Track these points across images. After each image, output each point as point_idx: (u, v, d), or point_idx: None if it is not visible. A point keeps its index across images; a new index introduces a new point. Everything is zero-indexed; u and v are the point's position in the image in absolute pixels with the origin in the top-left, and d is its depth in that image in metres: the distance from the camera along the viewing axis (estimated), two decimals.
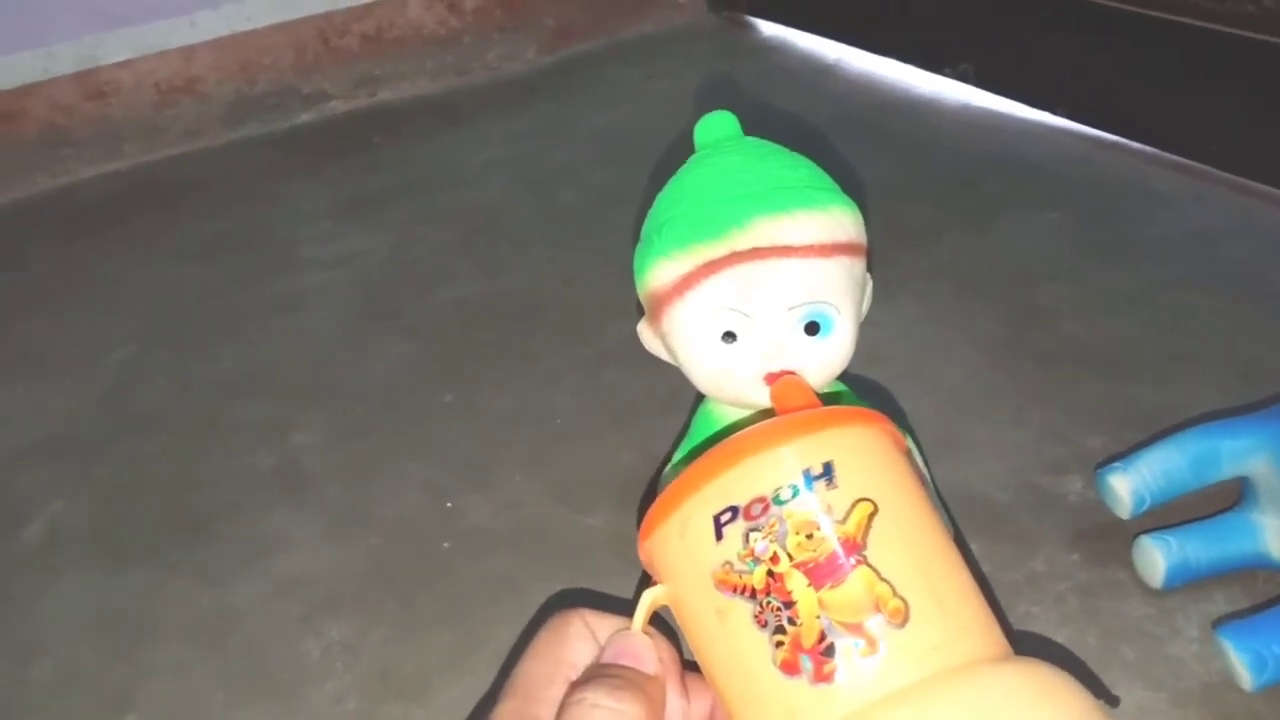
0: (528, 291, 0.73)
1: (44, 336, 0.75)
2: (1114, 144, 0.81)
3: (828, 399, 0.38)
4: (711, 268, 0.38)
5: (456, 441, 0.59)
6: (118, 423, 0.65)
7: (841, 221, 0.38)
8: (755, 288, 0.38)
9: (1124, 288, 0.64)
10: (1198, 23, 0.73)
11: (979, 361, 0.60)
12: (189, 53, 0.99)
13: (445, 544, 0.52)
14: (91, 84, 0.97)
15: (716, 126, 0.42)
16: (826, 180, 0.40)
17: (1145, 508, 0.45)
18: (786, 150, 0.40)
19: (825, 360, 0.39)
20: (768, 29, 1.13)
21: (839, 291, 0.38)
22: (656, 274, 0.39)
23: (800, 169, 0.39)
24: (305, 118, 1.04)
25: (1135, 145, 0.80)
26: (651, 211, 0.41)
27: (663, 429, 0.56)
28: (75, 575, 0.53)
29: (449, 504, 0.55)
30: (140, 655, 0.48)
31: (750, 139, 0.41)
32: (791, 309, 0.38)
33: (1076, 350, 0.60)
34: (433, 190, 0.89)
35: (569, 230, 0.80)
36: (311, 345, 0.70)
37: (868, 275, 0.41)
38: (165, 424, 0.64)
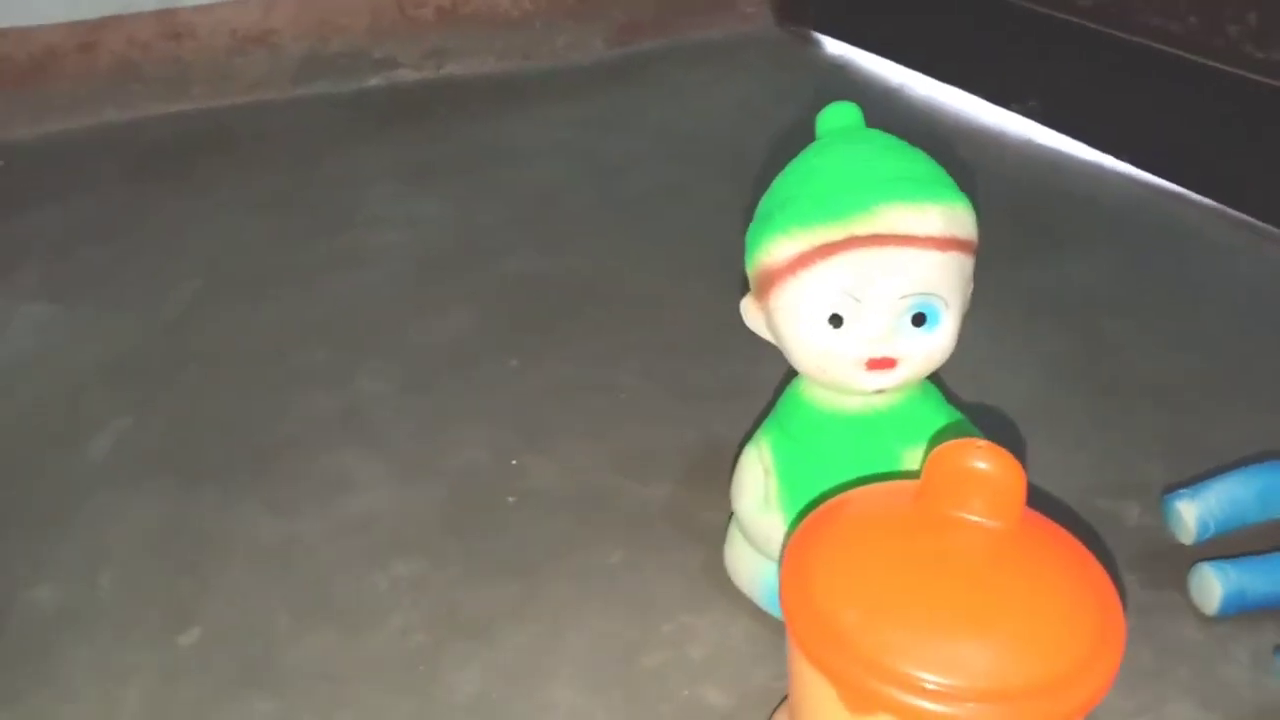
0: (587, 272, 0.74)
1: (108, 264, 0.76)
2: (1172, 192, 0.82)
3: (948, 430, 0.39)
4: (830, 249, 0.39)
5: (520, 404, 0.60)
6: (182, 354, 0.65)
7: (962, 218, 0.39)
8: (872, 273, 0.38)
9: (1183, 328, 0.66)
10: (1263, 79, 0.75)
11: (1043, 383, 0.61)
12: (269, 4, 1.00)
13: (509, 499, 0.53)
14: (169, 24, 0.98)
15: (840, 115, 0.43)
16: (948, 177, 0.41)
17: (1209, 535, 0.47)
18: (909, 144, 0.42)
19: (928, 352, 0.40)
20: (832, 46, 1.14)
21: (950, 286, 0.39)
22: (773, 250, 0.40)
23: (925, 163, 0.40)
24: (373, 82, 1.05)
25: (1193, 195, 0.81)
26: (771, 189, 0.42)
27: (727, 412, 0.57)
28: (142, 492, 0.54)
29: (513, 461, 0.55)
30: (206, 574, 0.49)
31: (873, 130, 0.42)
32: (903, 298, 0.39)
33: (1138, 382, 0.61)
34: (496, 166, 0.90)
35: (628, 218, 0.81)
36: (373, 301, 0.71)
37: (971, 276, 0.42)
38: (230, 359, 0.65)
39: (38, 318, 0.69)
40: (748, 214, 0.43)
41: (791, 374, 0.44)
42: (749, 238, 0.42)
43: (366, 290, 0.72)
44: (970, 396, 0.58)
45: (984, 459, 0.32)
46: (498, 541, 0.51)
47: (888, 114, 0.98)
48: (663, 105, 1.01)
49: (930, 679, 0.29)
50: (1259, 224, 0.77)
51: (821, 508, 0.35)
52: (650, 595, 0.48)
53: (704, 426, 0.58)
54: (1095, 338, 0.65)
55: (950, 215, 0.39)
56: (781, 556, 0.35)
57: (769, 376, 0.54)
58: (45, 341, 0.67)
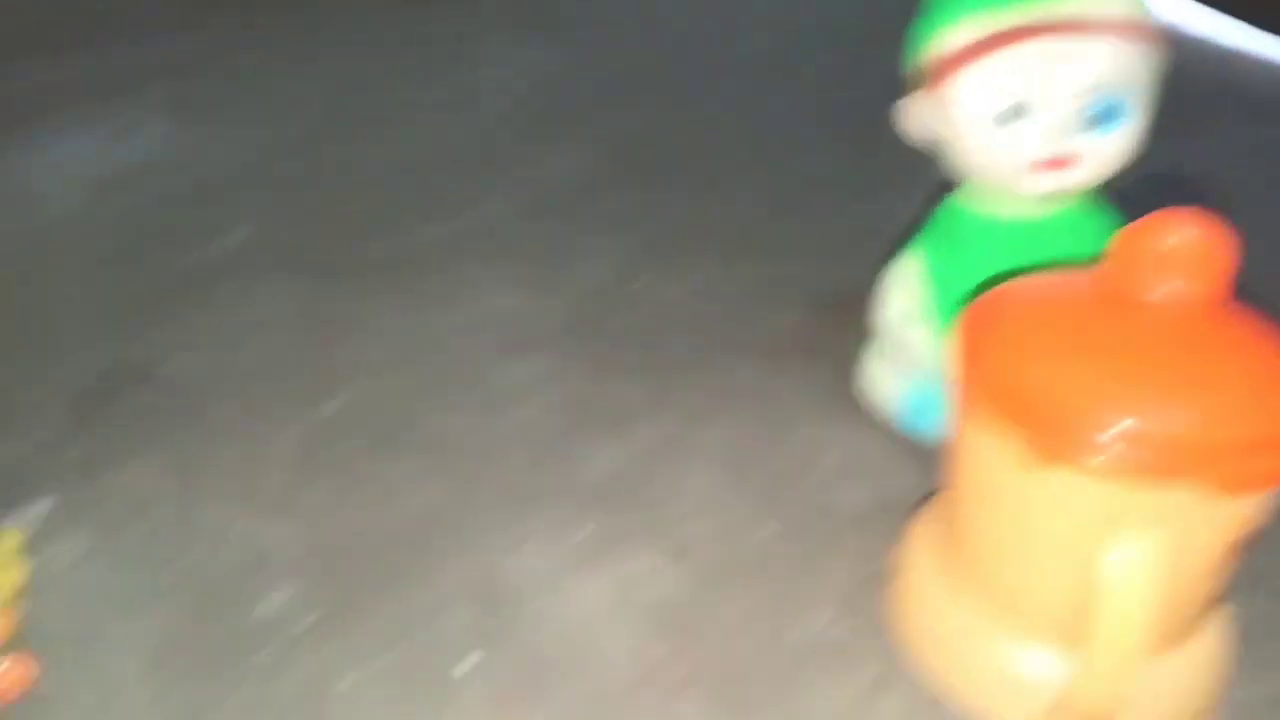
0: (712, 122, 0.73)
1: (232, 88, 0.77)
2: None
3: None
4: (1003, 39, 0.37)
5: (644, 233, 0.60)
6: (307, 171, 0.66)
7: (1146, 4, 0.37)
8: (1049, 65, 0.37)
9: None
10: None
11: None
12: None
13: (635, 314, 0.53)
14: None
15: None
16: None
17: None
18: None
19: (1106, 154, 0.38)
20: None
21: (1135, 81, 0.38)
22: (944, 39, 0.38)
23: None
24: None
25: None
26: None
27: (858, 252, 0.55)
28: (273, 283, 0.55)
29: (638, 283, 0.55)
30: (343, 355, 0.50)
31: None
32: (1083, 92, 0.37)
33: None
34: (624, 15, 0.89)
35: (762, 69, 0.80)
36: (494, 139, 0.71)
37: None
38: (351, 181, 0.66)
39: (165, 130, 0.71)
40: None
41: (948, 191, 0.42)
42: (919, 28, 0.40)
43: (487, 129, 0.72)
44: None
45: (1186, 230, 0.30)
46: (625, 349, 0.51)
47: None
48: None
49: (1131, 422, 0.28)
50: None
51: (988, 293, 0.34)
52: (781, 408, 0.47)
53: (832, 265, 0.57)
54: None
55: (1136, 1, 0.37)
56: (952, 335, 0.34)
57: (903, 221, 0.53)
58: (172, 149, 0.68)
